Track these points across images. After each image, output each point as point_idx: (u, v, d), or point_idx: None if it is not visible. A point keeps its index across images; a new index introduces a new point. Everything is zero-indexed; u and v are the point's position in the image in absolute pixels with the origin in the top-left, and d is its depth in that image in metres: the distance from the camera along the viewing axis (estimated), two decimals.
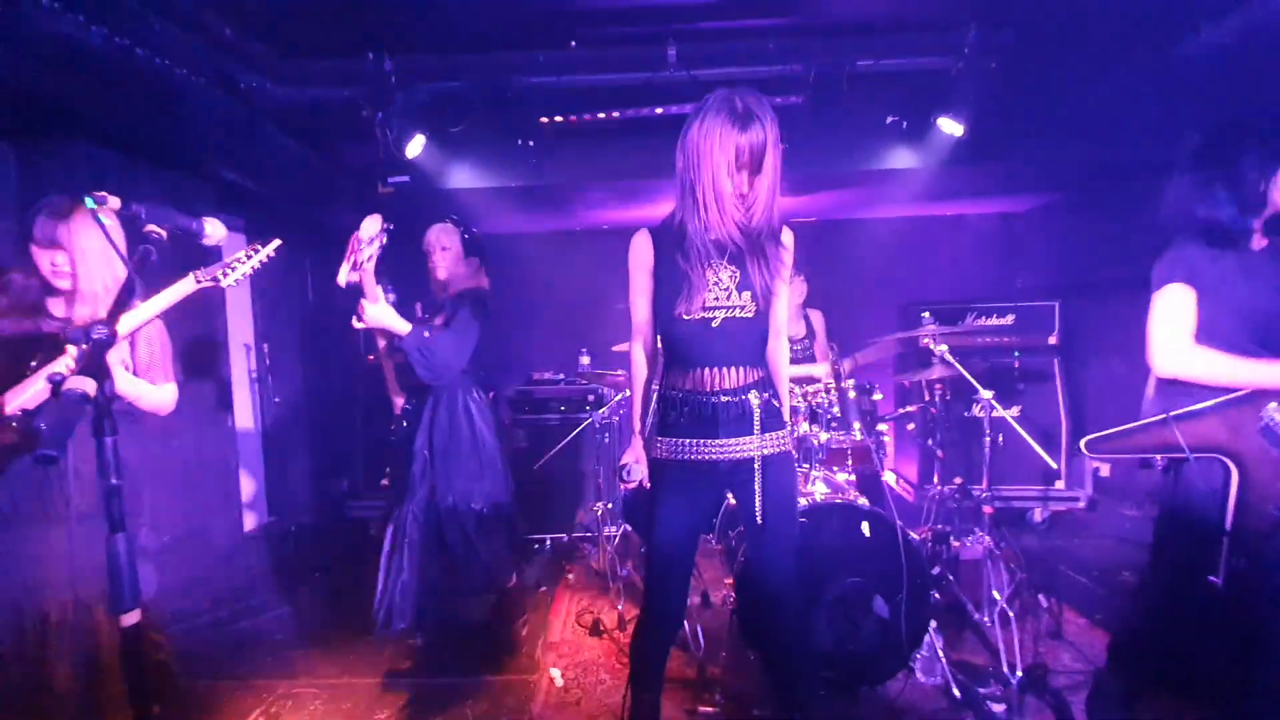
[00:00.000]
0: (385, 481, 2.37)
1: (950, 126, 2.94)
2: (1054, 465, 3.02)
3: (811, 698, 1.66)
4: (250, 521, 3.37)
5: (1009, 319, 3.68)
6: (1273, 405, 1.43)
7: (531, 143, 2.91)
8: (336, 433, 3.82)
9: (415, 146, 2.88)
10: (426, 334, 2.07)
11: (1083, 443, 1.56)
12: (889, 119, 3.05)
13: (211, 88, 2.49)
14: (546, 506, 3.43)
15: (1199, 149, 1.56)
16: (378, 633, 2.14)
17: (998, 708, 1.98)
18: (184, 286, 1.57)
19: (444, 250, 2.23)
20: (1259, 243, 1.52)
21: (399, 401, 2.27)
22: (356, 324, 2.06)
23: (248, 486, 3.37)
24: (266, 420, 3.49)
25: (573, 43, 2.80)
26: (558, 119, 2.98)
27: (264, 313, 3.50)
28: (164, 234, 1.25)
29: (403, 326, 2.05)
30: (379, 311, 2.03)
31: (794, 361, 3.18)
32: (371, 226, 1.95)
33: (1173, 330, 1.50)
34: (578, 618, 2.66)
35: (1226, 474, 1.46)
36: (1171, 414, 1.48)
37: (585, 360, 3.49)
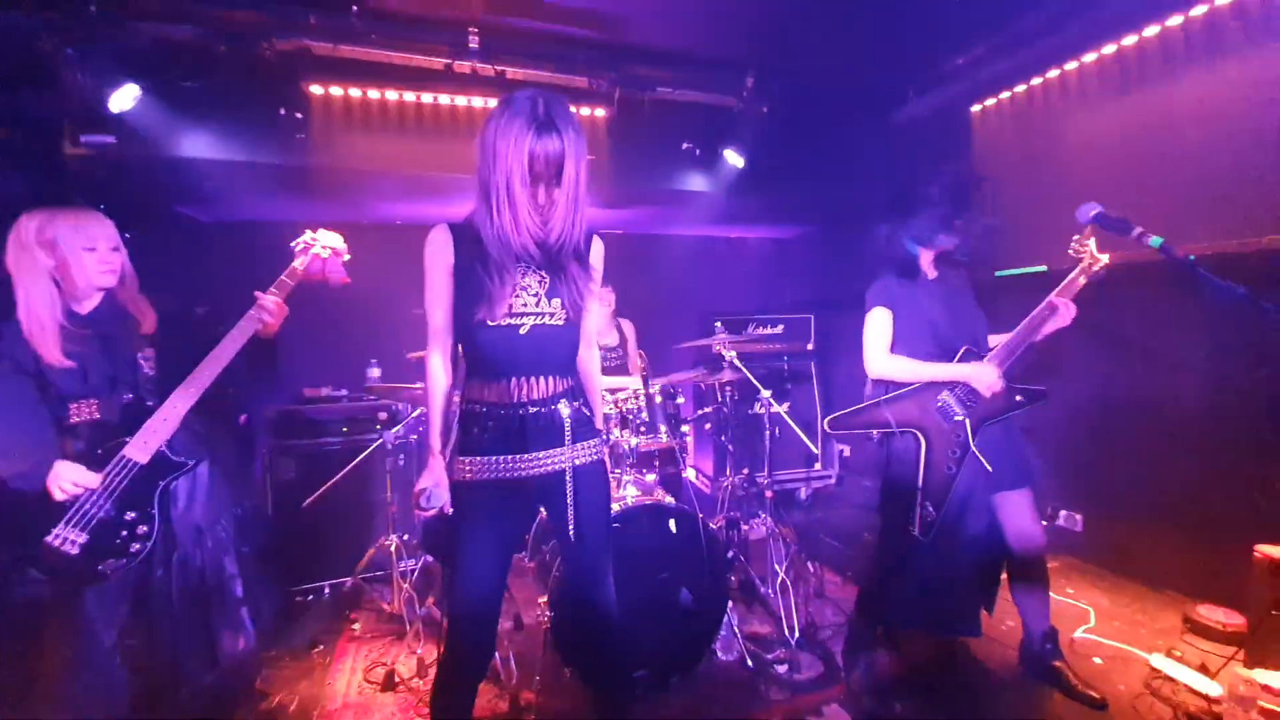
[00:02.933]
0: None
1: (734, 158, 3.33)
2: (814, 450, 3.61)
3: (632, 701, 1.68)
4: None
5: (779, 329, 4.32)
6: (945, 393, 1.99)
7: (299, 115, 2.46)
8: None
9: (124, 98, 2.21)
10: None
11: (826, 421, 2.05)
12: (684, 145, 3.33)
13: None
14: (326, 548, 2.88)
15: (889, 207, 2.09)
16: None
17: (781, 669, 2.24)
18: None
19: (116, 251, 1.71)
20: (931, 274, 2.08)
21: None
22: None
23: None
24: None
25: (354, 7, 2.45)
26: (335, 91, 2.58)
27: None
28: None
29: None
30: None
31: (606, 369, 3.26)
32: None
33: (876, 344, 2.02)
34: (366, 674, 2.29)
35: (919, 444, 1.97)
36: (882, 398, 2.01)
37: (375, 372, 3.03)
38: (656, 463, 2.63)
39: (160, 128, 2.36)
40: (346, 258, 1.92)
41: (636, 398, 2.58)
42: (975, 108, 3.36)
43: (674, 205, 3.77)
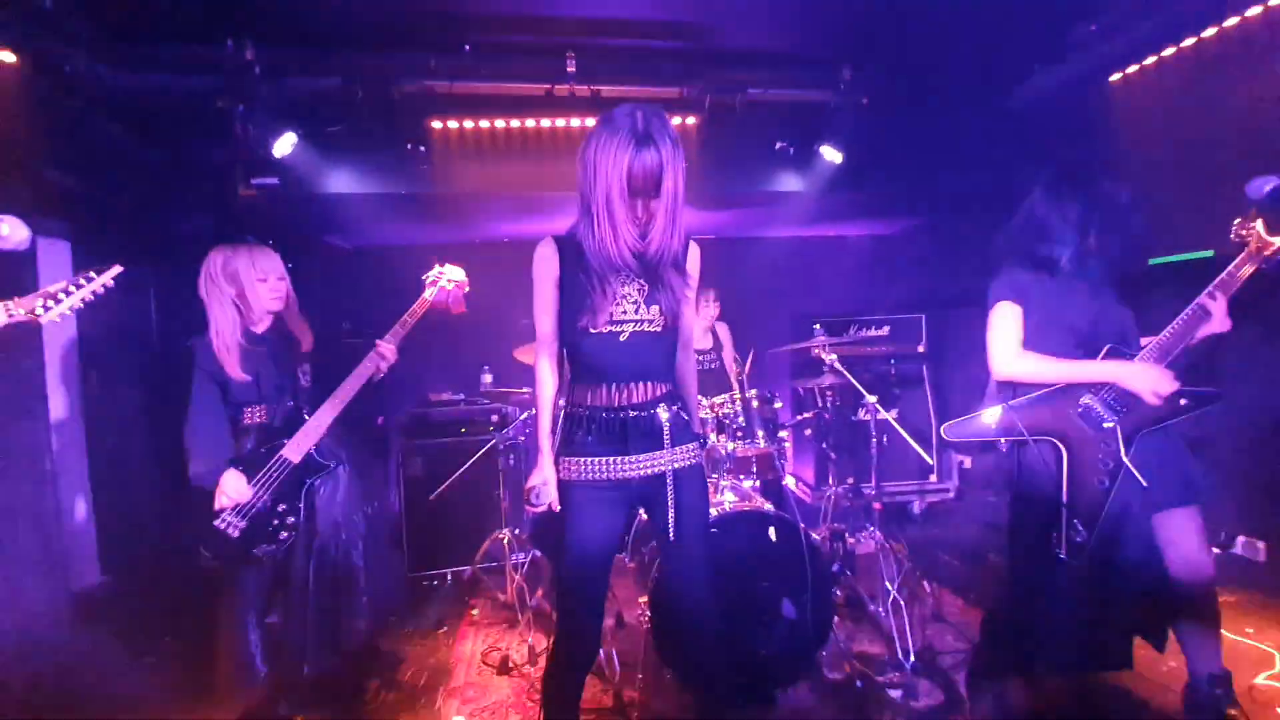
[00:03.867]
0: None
1: (831, 154, 3.20)
2: (929, 460, 3.35)
3: (730, 710, 1.66)
4: (79, 582, 2.79)
5: (885, 330, 4.06)
6: (1088, 395, 1.73)
7: (423, 148, 2.74)
8: (181, 472, 3.25)
9: (284, 145, 2.60)
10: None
11: (943, 428, 1.85)
12: (778, 145, 3.26)
13: (26, 69, 2.08)
14: (447, 538, 3.17)
15: (1040, 191, 1.84)
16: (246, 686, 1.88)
17: (895, 693, 2.09)
18: None
19: (281, 280, 1.99)
20: (1069, 266, 1.81)
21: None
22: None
23: (74, 541, 2.79)
24: (95, 463, 2.92)
25: (466, 47, 2.70)
26: (452, 125, 2.85)
27: (92, 337, 2.94)
28: None
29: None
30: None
31: (701, 371, 3.26)
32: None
33: (1004, 341, 1.78)
34: (483, 656, 2.47)
35: (1058, 454, 1.72)
36: (1009, 403, 1.76)
37: (487, 378, 3.29)
38: (754, 469, 2.59)
39: (312, 168, 2.76)
40: (467, 289, 2.16)
41: (732, 402, 2.55)
42: (1115, 77, 2.96)
43: (768, 206, 3.70)
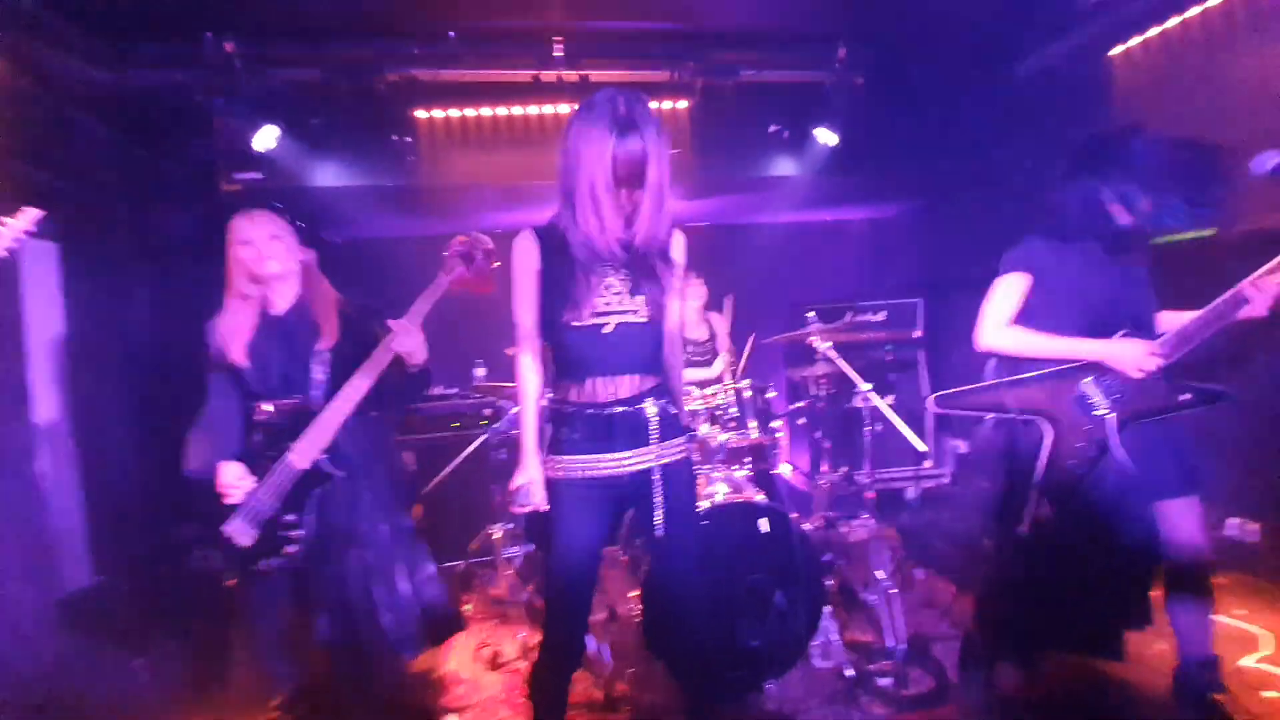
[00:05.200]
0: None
1: (826, 136, 3.14)
2: (923, 448, 3.33)
3: (721, 701, 1.66)
4: (71, 584, 2.80)
5: (882, 315, 4.02)
6: (1088, 380, 1.69)
7: (408, 139, 2.69)
8: (176, 471, 3.22)
9: (266, 138, 2.56)
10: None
11: (933, 397, 1.84)
12: (772, 128, 3.20)
13: (6, 69, 2.05)
14: (440, 533, 3.04)
15: (1086, 157, 1.76)
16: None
17: (885, 681, 2.10)
18: None
19: (274, 239, 1.71)
20: (1097, 242, 1.74)
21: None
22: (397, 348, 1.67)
23: (64, 543, 2.80)
24: (87, 463, 2.93)
25: (450, 33, 2.64)
26: (436, 114, 2.80)
27: (80, 334, 2.93)
28: None
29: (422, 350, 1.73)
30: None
31: (696, 364, 3.23)
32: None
33: (995, 312, 1.75)
34: (474, 652, 2.47)
35: (1042, 434, 1.71)
36: (1004, 380, 1.75)
37: (480, 372, 3.26)
38: (748, 459, 2.58)
39: (296, 162, 2.72)
40: (497, 263, 1.76)
41: (725, 393, 2.53)
42: (1115, 50, 2.88)
43: (762, 192, 3.64)
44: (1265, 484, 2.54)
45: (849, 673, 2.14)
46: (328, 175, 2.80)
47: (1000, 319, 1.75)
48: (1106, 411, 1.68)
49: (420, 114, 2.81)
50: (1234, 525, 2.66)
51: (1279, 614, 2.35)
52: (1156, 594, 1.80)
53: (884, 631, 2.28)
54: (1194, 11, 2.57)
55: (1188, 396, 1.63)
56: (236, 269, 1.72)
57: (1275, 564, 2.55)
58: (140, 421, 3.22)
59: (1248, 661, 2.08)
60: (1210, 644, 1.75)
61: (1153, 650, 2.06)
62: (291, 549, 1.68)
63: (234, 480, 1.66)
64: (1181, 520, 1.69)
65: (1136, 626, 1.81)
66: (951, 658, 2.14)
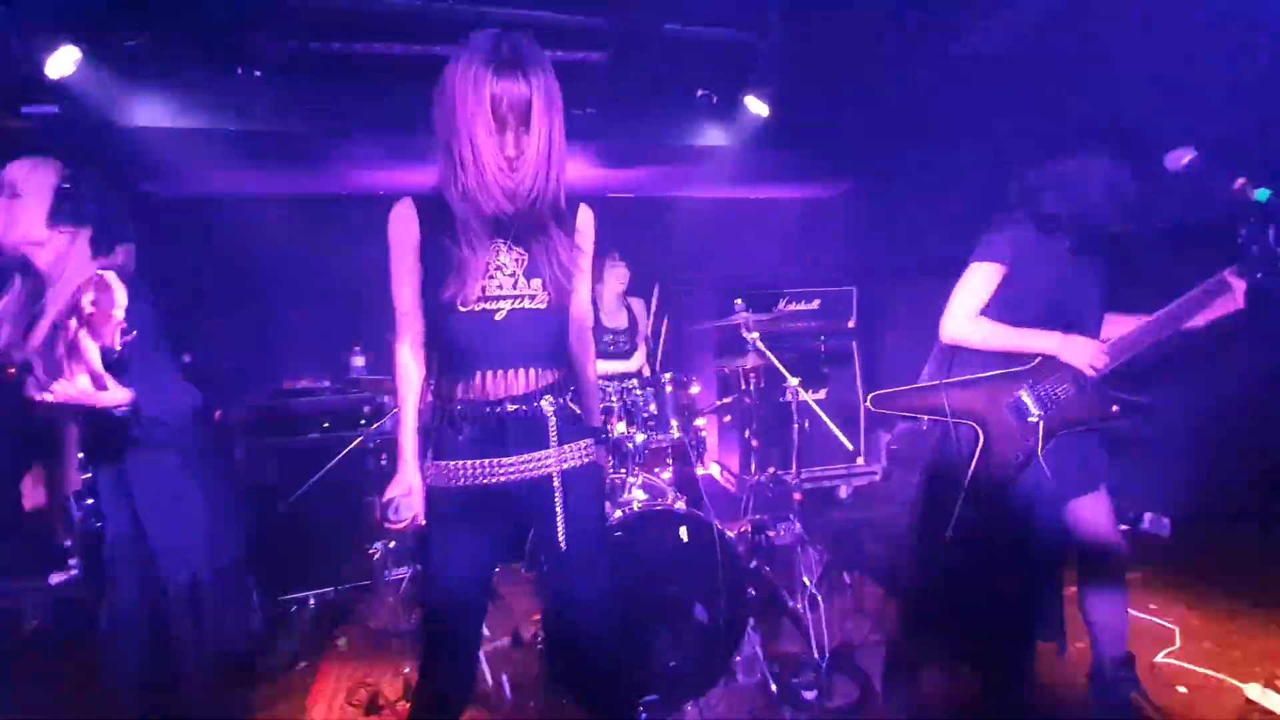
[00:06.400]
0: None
1: (756, 105, 2.89)
2: (850, 446, 3.25)
3: None
4: None
5: (815, 304, 3.89)
6: (1024, 389, 1.66)
7: (258, 72, 2.20)
8: None
9: (62, 62, 2.00)
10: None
11: (870, 398, 1.77)
12: (699, 92, 2.91)
13: None
14: (305, 555, 2.68)
15: (1066, 148, 1.67)
16: None
17: (809, 694, 2.01)
18: None
19: (14, 197, 1.44)
20: (1069, 235, 1.68)
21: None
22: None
23: None
24: None
25: None
26: (298, 46, 2.28)
27: None
28: None
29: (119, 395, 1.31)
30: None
31: (615, 355, 2.96)
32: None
33: (964, 303, 1.68)
34: (349, 696, 2.13)
35: (975, 438, 1.67)
36: (944, 381, 1.70)
37: (359, 361, 2.79)
38: (669, 461, 2.38)
39: (106, 94, 2.14)
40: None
41: (643, 389, 2.30)
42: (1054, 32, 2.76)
43: (687, 162, 3.34)
44: (1177, 478, 2.61)
45: (773, 688, 2.01)
46: (151, 114, 2.22)
47: (971, 310, 1.68)
48: (1039, 419, 1.67)
49: (274, 46, 2.27)
50: (1149, 519, 2.73)
51: (1190, 609, 2.40)
52: (1072, 591, 1.81)
53: (810, 641, 2.16)
54: None
55: (1116, 409, 1.67)
56: None
57: (1186, 558, 2.62)
58: None
59: (1161, 658, 2.12)
60: (1125, 640, 1.80)
61: (1073, 649, 2.06)
62: (75, 561, 1.50)
63: None
64: (1092, 513, 1.73)
65: (1050, 636, 1.86)
66: (878, 666, 2.09)
